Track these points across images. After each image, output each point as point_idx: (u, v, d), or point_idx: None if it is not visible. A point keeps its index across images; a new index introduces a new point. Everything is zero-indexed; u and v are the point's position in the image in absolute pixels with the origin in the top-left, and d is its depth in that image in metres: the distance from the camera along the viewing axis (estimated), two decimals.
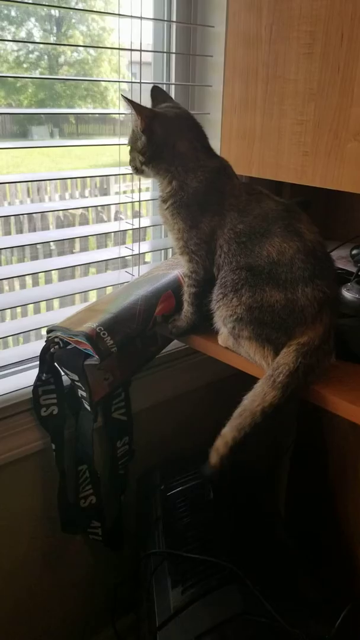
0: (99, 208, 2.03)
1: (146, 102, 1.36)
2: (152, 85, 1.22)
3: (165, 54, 1.39)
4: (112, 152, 1.32)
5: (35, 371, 1.19)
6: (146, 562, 1.24)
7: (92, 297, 1.44)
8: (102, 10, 1.35)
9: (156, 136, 1.04)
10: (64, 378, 1.20)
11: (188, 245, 1.06)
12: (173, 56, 1.39)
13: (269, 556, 1.22)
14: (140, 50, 1.26)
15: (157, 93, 1.13)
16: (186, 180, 1.04)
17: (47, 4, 1.26)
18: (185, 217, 1.05)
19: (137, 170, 1.11)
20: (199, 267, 1.06)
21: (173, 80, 1.40)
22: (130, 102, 1.01)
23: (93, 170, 1.48)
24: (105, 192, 2.26)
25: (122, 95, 1.05)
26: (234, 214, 1.01)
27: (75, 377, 1.13)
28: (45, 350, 1.15)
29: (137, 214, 1.40)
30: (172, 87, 1.40)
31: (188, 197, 1.04)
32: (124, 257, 1.39)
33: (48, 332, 1.15)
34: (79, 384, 1.13)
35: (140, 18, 1.23)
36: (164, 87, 1.25)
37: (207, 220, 1.03)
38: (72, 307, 1.34)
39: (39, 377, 1.18)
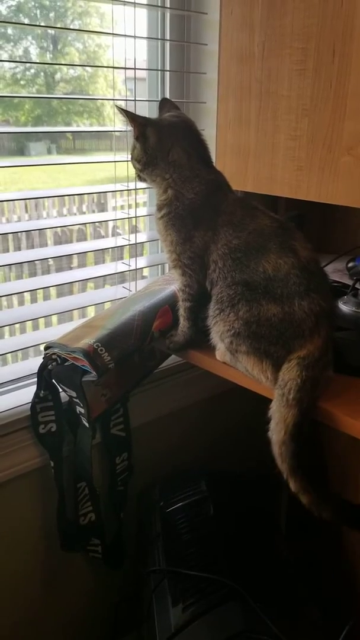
0: (97, 223, 2.04)
1: None
2: (146, 101, 1.22)
3: (159, 72, 1.41)
4: (109, 168, 1.33)
5: (34, 388, 1.19)
6: (146, 580, 1.23)
7: (91, 312, 1.44)
8: (98, 29, 1.37)
9: (149, 143, 1.06)
10: (62, 394, 1.20)
11: (181, 258, 1.06)
12: (167, 73, 1.41)
13: (270, 573, 1.21)
14: (135, 69, 1.27)
15: (164, 104, 1.15)
16: (182, 190, 1.05)
17: (43, 24, 1.28)
18: (179, 229, 1.05)
19: (140, 178, 1.13)
20: (192, 281, 1.06)
21: (167, 97, 1.41)
22: (124, 111, 1.04)
23: (89, 188, 1.49)
24: (102, 207, 2.26)
25: (115, 105, 1.08)
26: (228, 229, 1.01)
27: (73, 394, 1.13)
28: (42, 367, 1.15)
29: (134, 230, 1.41)
30: None
31: (183, 208, 1.04)
32: (121, 272, 1.40)
33: (45, 348, 1.15)
34: (77, 400, 1.13)
35: (134, 37, 1.24)
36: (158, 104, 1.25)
37: (200, 235, 1.03)
38: (71, 323, 1.34)
39: (36, 394, 1.18)
